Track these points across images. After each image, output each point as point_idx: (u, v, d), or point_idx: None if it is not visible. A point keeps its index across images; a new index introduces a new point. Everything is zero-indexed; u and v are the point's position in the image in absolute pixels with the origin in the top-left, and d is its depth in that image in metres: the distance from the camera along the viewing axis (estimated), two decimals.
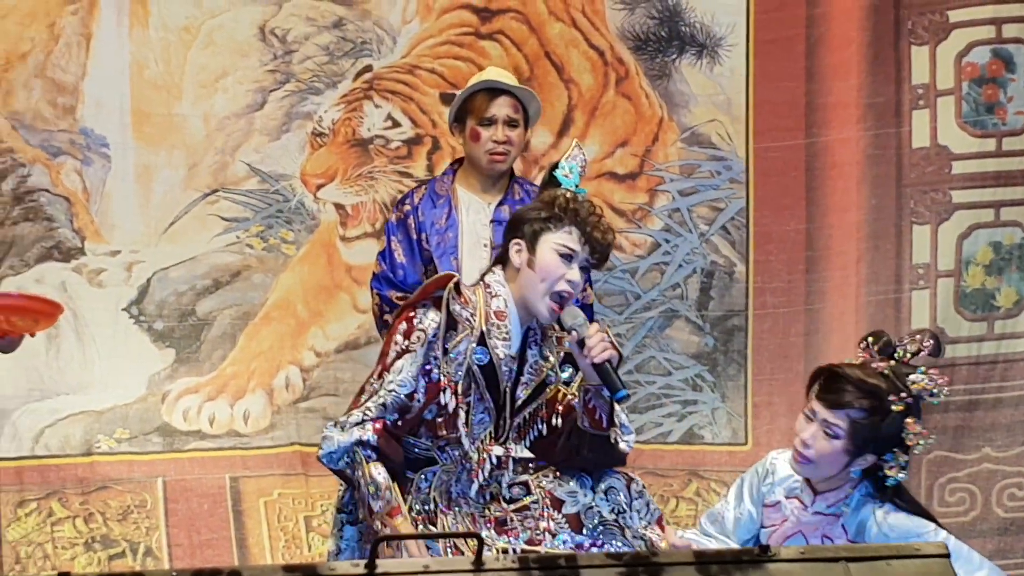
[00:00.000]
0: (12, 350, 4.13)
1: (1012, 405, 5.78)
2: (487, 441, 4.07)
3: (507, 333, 4.05)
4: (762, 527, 4.33)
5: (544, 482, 4.10)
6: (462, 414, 4.01)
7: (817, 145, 5.94)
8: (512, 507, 4.07)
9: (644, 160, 6.00)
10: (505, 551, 3.96)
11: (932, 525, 4.16)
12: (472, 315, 4.03)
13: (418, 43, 5.95)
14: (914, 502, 4.31)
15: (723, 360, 5.94)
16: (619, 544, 4.00)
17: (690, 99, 5.99)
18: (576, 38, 5.99)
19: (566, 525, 4.04)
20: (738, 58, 5.96)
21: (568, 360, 4.17)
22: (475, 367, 4.01)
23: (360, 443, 3.91)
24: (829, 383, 4.16)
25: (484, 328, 4.03)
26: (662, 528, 4.11)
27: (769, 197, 5.94)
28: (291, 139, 5.90)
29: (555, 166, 4.19)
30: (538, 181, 5.79)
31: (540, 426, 4.12)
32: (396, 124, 5.93)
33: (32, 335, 4.03)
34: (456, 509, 4.04)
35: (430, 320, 3.98)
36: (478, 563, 2.98)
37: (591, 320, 4.28)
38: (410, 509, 3.99)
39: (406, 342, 3.98)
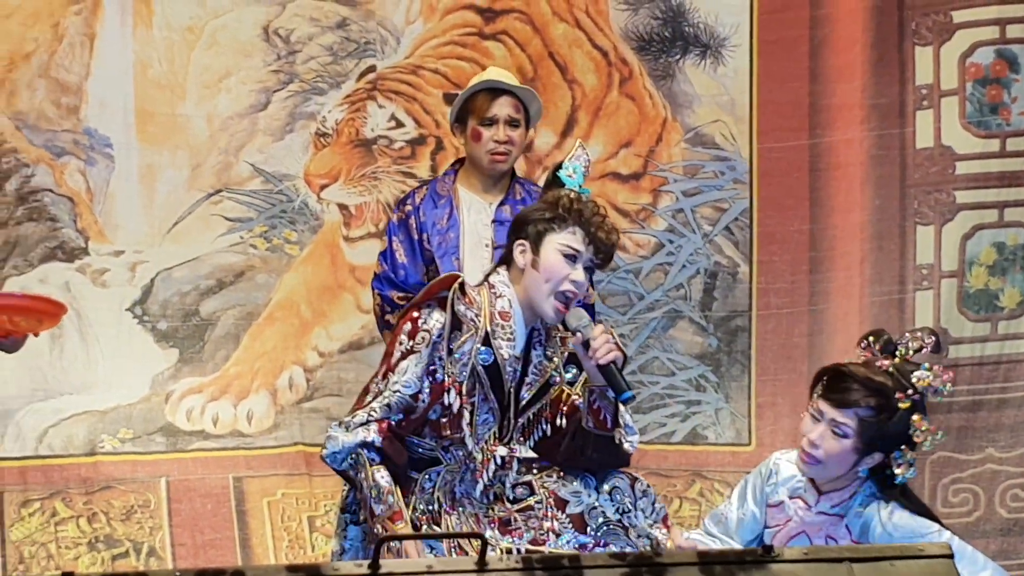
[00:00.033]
0: (16, 350, 4.13)
1: (1015, 406, 5.78)
2: (491, 442, 4.07)
3: (511, 333, 4.05)
4: (766, 527, 4.33)
5: (548, 482, 4.10)
6: (466, 414, 4.01)
7: (821, 146, 5.94)
8: (516, 507, 4.08)
9: (648, 160, 6.00)
10: (509, 551, 3.96)
11: (936, 526, 4.16)
12: (477, 315, 4.03)
13: (422, 43, 5.95)
14: (919, 502, 4.31)
15: (727, 361, 5.94)
16: (623, 544, 4.01)
17: (694, 100, 5.99)
18: (580, 38, 5.99)
19: (570, 525, 4.04)
20: (742, 59, 5.96)
21: (572, 360, 4.17)
22: (480, 367, 4.01)
23: (364, 444, 3.91)
24: (835, 382, 4.16)
25: (489, 328, 4.03)
26: (667, 527, 4.11)
27: (773, 198, 5.94)
28: (295, 139, 5.90)
29: (559, 166, 4.19)
30: (542, 181, 5.80)
31: (544, 426, 4.12)
32: (400, 124, 5.93)
33: (36, 335, 4.03)
34: (460, 509, 4.05)
35: (435, 321, 3.98)
36: (481, 563, 2.98)
37: (593, 320, 4.28)
38: (414, 509, 3.99)
39: (410, 342, 3.98)
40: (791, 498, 4.27)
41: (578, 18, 6.00)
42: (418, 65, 5.94)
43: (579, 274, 4.01)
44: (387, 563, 2.99)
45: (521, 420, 4.11)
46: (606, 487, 4.08)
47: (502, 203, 5.15)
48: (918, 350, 4.22)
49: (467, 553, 3.88)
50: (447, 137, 5.82)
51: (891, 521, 4.14)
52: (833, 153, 5.93)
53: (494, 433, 4.08)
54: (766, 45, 5.95)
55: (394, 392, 3.95)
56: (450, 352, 3.99)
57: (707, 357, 5.95)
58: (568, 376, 4.15)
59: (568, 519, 4.05)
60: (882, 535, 4.12)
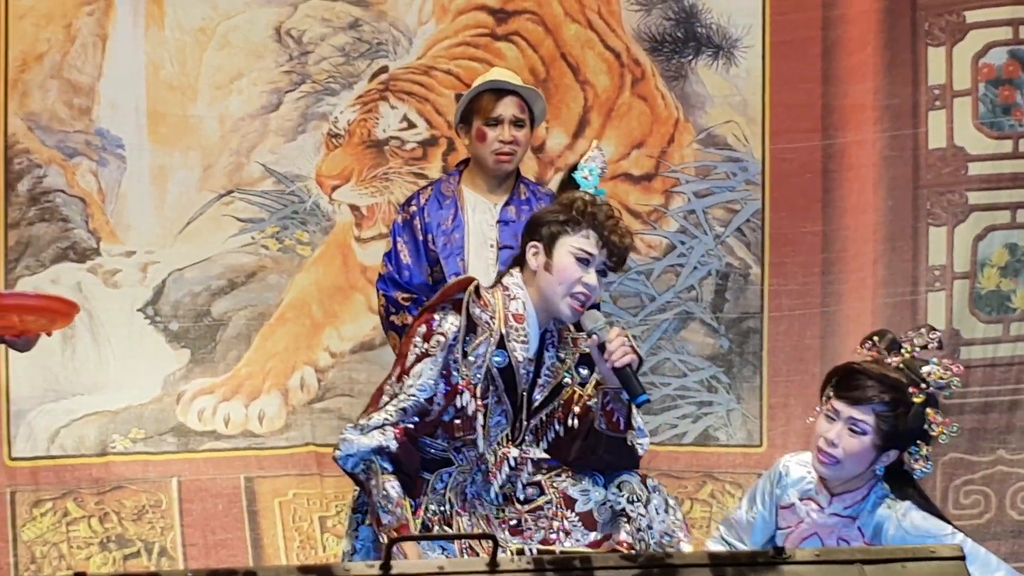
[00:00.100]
0: (28, 349, 4.14)
1: None
2: (503, 443, 4.07)
3: (525, 336, 4.05)
4: (778, 529, 4.33)
5: (557, 482, 4.10)
6: (480, 416, 4.01)
7: (833, 147, 5.93)
8: (526, 508, 4.07)
9: (660, 161, 6.00)
10: (520, 551, 3.96)
11: (951, 528, 4.16)
12: (491, 318, 4.03)
13: (434, 44, 5.95)
14: (930, 502, 4.31)
15: (738, 362, 5.93)
16: (623, 535, 3.98)
17: (706, 100, 5.98)
18: (592, 39, 5.99)
19: (579, 524, 4.04)
20: (754, 60, 5.96)
21: (583, 361, 4.16)
22: (494, 370, 4.01)
23: (379, 450, 3.90)
24: (849, 381, 4.17)
25: (503, 331, 4.03)
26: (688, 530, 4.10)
27: (785, 199, 5.93)
28: (306, 140, 5.90)
29: (574, 167, 4.18)
30: (553, 183, 5.80)
31: (557, 428, 4.12)
32: (411, 125, 5.93)
33: (49, 334, 4.03)
34: (471, 510, 4.04)
35: (450, 324, 3.98)
36: (493, 564, 2.98)
37: None
38: (425, 510, 3.99)
39: (425, 345, 3.97)
40: (802, 500, 4.27)
41: (590, 19, 5.99)
42: (430, 66, 5.94)
43: (591, 277, 4.01)
44: (399, 564, 2.99)
45: (533, 422, 4.11)
46: (615, 482, 4.08)
47: (507, 203, 5.15)
48: (923, 347, 4.23)
49: (478, 554, 3.88)
50: (459, 138, 5.82)
51: (905, 522, 4.14)
52: (846, 154, 5.92)
53: (506, 435, 4.08)
54: (779, 46, 5.94)
55: (410, 396, 3.95)
56: (464, 355, 3.99)
57: (719, 358, 5.94)
58: (579, 378, 4.14)
59: (577, 518, 4.04)
60: (895, 536, 4.12)
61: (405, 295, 5.12)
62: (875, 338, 4.28)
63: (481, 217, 5.15)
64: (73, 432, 5.62)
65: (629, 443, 4.07)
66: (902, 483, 4.22)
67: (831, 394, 4.21)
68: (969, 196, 5.83)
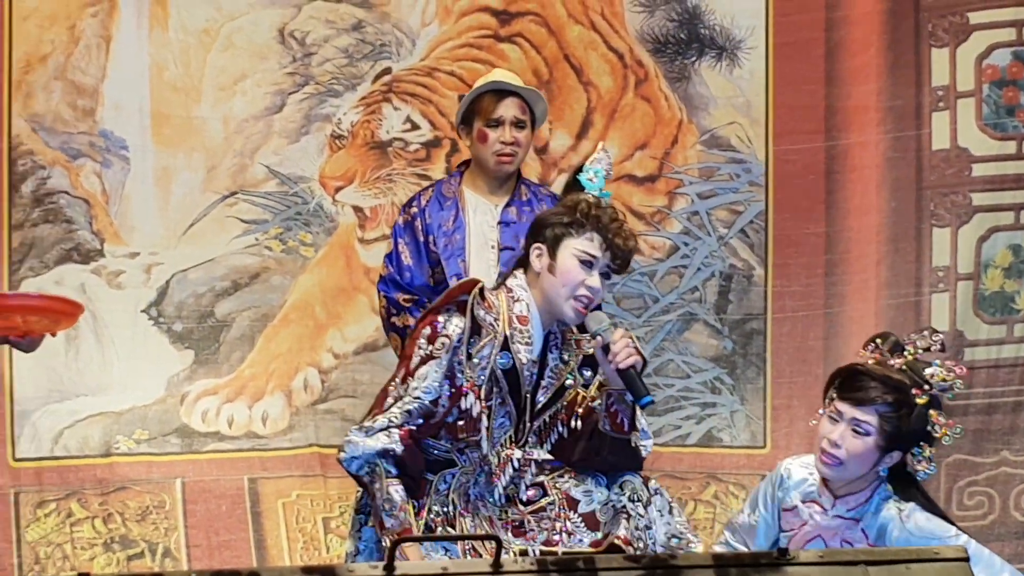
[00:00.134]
0: (33, 349, 4.14)
1: None
2: (506, 445, 4.07)
3: (529, 338, 4.05)
4: (781, 531, 4.33)
5: (560, 483, 4.10)
6: (484, 418, 4.01)
7: (837, 148, 5.93)
8: (529, 509, 4.07)
9: (663, 163, 6.00)
10: (524, 553, 3.96)
11: (954, 529, 4.16)
12: (496, 320, 4.03)
13: (437, 46, 5.95)
14: (934, 503, 4.31)
15: (742, 363, 5.93)
16: (622, 530, 3.98)
17: (709, 102, 5.98)
18: (595, 40, 5.99)
19: (582, 525, 4.04)
20: (758, 61, 5.95)
21: (587, 363, 4.16)
22: (498, 371, 4.01)
23: (384, 453, 3.89)
24: (852, 382, 4.17)
25: (507, 333, 4.03)
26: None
27: (788, 200, 5.93)
28: (310, 141, 5.90)
29: (579, 169, 4.18)
30: (557, 184, 5.80)
31: (560, 429, 4.12)
32: (415, 127, 5.93)
33: (53, 335, 4.04)
34: (474, 511, 4.04)
35: (454, 326, 3.98)
36: (496, 565, 2.98)
37: None
38: (428, 511, 3.99)
39: (430, 347, 3.97)
40: (804, 502, 4.27)
41: (593, 20, 5.99)
42: (433, 67, 5.94)
43: (595, 280, 4.01)
44: (402, 565, 2.99)
45: (536, 423, 4.11)
46: (618, 482, 4.08)
47: (508, 204, 5.15)
48: (926, 349, 4.23)
49: (481, 555, 3.88)
50: (460, 139, 5.82)
51: (909, 524, 4.14)
52: (849, 155, 5.92)
53: (509, 436, 4.08)
54: (782, 47, 5.94)
55: (415, 398, 3.95)
56: (469, 356, 3.99)
57: (722, 360, 5.94)
58: (583, 379, 4.14)
59: (580, 519, 4.05)
60: (899, 538, 4.12)
61: (406, 296, 5.13)
62: (878, 340, 4.28)
63: (482, 218, 5.15)
64: (77, 433, 5.62)
65: (633, 444, 4.07)
66: (906, 484, 4.22)
67: (834, 395, 4.21)
68: (973, 197, 5.83)
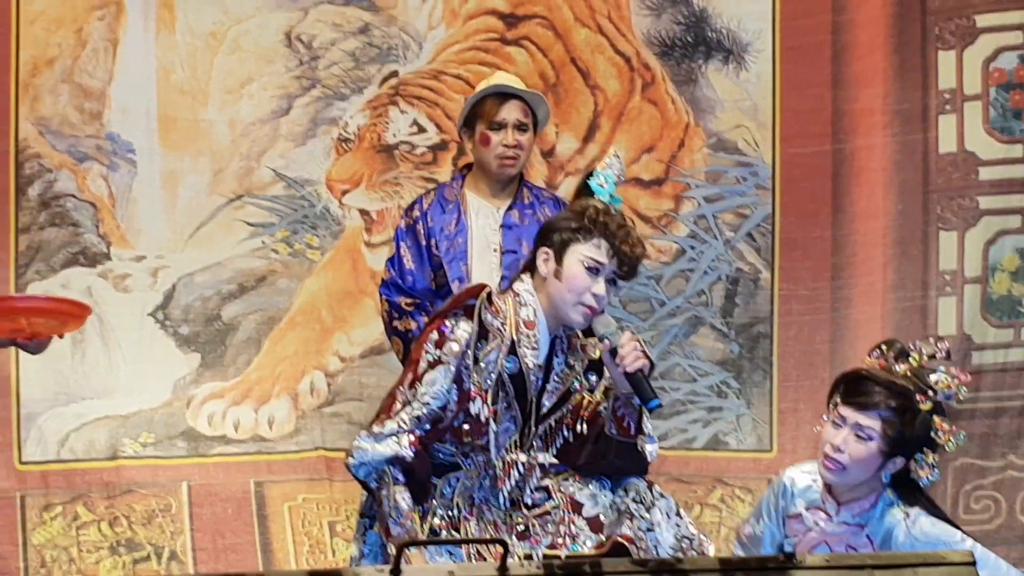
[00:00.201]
0: (40, 351, 4.15)
1: None
2: (511, 449, 4.07)
3: (536, 342, 4.04)
4: (786, 538, 4.32)
5: (565, 486, 4.10)
6: (492, 423, 4.00)
7: (843, 151, 5.92)
8: (534, 513, 4.07)
9: (670, 166, 5.99)
10: (528, 557, 3.96)
11: (960, 533, 4.15)
12: (503, 324, 4.03)
13: (444, 49, 5.95)
14: (939, 508, 4.30)
15: (748, 367, 5.93)
16: (625, 528, 3.98)
17: (716, 105, 5.98)
18: (602, 44, 5.99)
19: (587, 528, 4.04)
20: (764, 64, 5.95)
21: (592, 368, 4.16)
22: (505, 376, 4.01)
23: (394, 459, 3.89)
24: (856, 387, 4.16)
25: (514, 337, 4.03)
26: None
27: (795, 203, 5.93)
28: (316, 145, 5.90)
29: (590, 174, 4.17)
30: (563, 187, 5.80)
31: (565, 433, 4.12)
32: (422, 130, 5.93)
33: (60, 336, 4.04)
34: (479, 515, 4.04)
35: (462, 330, 3.97)
36: (503, 569, 2.98)
37: None
38: (433, 514, 3.99)
39: (438, 352, 3.97)
40: (808, 509, 4.27)
41: (600, 23, 5.99)
42: (440, 70, 5.94)
43: (600, 287, 4.00)
44: (409, 569, 2.99)
45: (542, 428, 4.11)
46: (622, 487, 4.07)
47: (510, 208, 5.15)
48: (931, 356, 4.22)
49: (486, 559, 3.87)
50: (462, 142, 5.82)
51: (915, 529, 4.13)
52: (856, 159, 5.91)
53: (514, 441, 4.07)
54: (789, 51, 5.94)
55: (424, 404, 3.94)
56: (476, 361, 3.98)
57: (729, 363, 5.94)
58: (588, 384, 4.14)
59: (585, 522, 4.04)
60: (905, 543, 4.11)
61: (408, 300, 5.12)
62: (883, 347, 4.27)
63: (484, 221, 5.15)
64: (83, 436, 5.63)
65: (639, 448, 4.06)
66: (910, 490, 4.21)
67: (838, 400, 4.21)
68: (980, 201, 5.82)
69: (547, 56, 5.97)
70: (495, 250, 5.11)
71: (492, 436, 4.01)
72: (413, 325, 5.08)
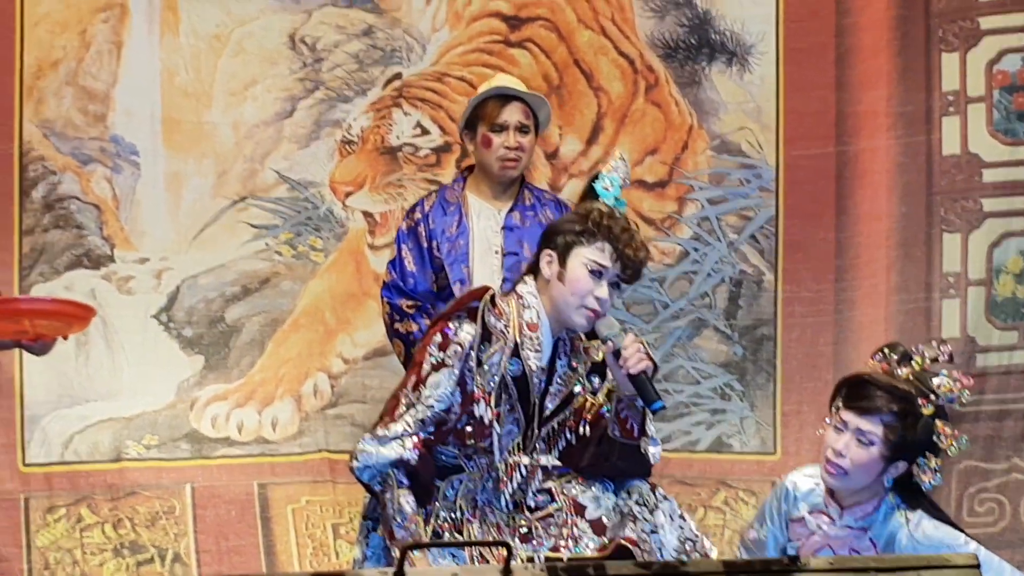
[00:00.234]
0: (45, 352, 4.16)
1: None
2: (514, 451, 4.07)
3: (539, 345, 4.05)
4: (789, 542, 4.32)
5: (567, 488, 4.10)
6: (496, 425, 4.00)
7: (847, 154, 5.92)
8: (537, 515, 4.07)
9: (673, 168, 5.99)
10: (530, 559, 3.96)
11: (963, 536, 4.15)
12: (506, 327, 4.03)
13: (447, 51, 5.95)
14: (942, 511, 4.30)
15: (752, 369, 5.92)
16: (628, 531, 3.98)
17: (720, 107, 5.98)
18: (605, 46, 5.99)
19: (589, 531, 4.04)
20: (768, 66, 5.95)
21: (595, 370, 4.16)
22: (508, 378, 4.01)
23: (398, 463, 3.89)
24: (857, 391, 4.16)
25: (517, 339, 4.03)
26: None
27: (798, 206, 5.93)
28: (320, 147, 5.91)
29: (596, 177, 4.17)
30: (567, 189, 5.81)
31: (568, 436, 4.12)
32: (425, 132, 5.93)
33: (65, 338, 4.05)
34: (482, 517, 4.04)
35: (465, 333, 3.98)
36: (506, 572, 2.98)
37: None
38: (436, 517, 3.99)
39: (441, 354, 3.97)
40: (812, 513, 4.26)
41: (604, 25, 5.99)
42: (444, 72, 5.94)
43: (603, 290, 4.00)
44: (412, 571, 2.99)
45: (544, 430, 4.11)
46: (625, 489, 4.07)
47: (512, 209, 5.15)
48: (934, 359, 4.21)
49: (488, 562, 3.88)
50: (463, 144, 5.83)
51: (917, 532, 4.13)
52: (859, 161, 5.91)
53: (517, 443, 4.07)
54: (792, 53, 5.94)
55: (428, 407, 3.94)
56: (479, 363, 3.99)
57: (732, 366, 5.93)
58: (591, 386, 4.14)
59: (587, 525, 4.04)
60: (908, 547, 4.11)
61: (409, 302, 5.13)
62: (886, 350, 4.27)
63: (486, 223, 5.15)
64: (87, 438, 5.63)
65: (642, 450, 4.06)
66: (913, 493, 4.21)
67: (840, 404, 4.20)
68: (983, 203, 5.82)
69: (550, 58, 5.97)
70: (496, 252, 5.12)
71: (495, 438, 4.01)
72: (414, 327, 5.08)
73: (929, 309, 5.82)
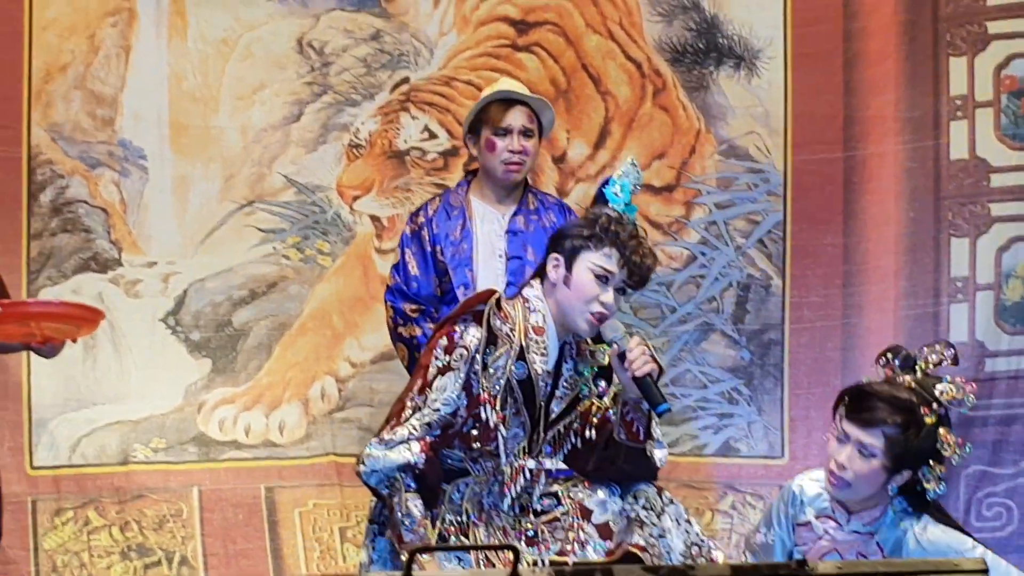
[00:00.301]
0: (54, 355, 4.17)
1: None
2: (520, 455, 4.07)
3: (545, 348, 4.05)
4: (796, 546, 4.31)
5: (573, 492, 4.09)
6: (501, 429, 4.00)
7: (855, 158, 5.91)
8: (542, 519, 4.07)
9: (681, 172, 5.99)
10: (535, 563, 3.95)
11: (971, 540, 4.14)
12: (512, 330, 4.03)
13: (455, 55, 5.96)
14: (949, 516, 4.28)
15: (759, 374, 5.92)
16: (636, 536, 3.97)
17: (728, 111, 5.98)
18: (613, 50, 5.99)
19: (596, 535, 4.03)
20: (776, 71, 5.95)
21: (601, 374, 4.16)
22: (513, 381, 4.01)
23: (405, 466, 3.89)
24: (859, 402, 4.14)
25: (523, 343, 4.03)
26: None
27: (806, 210, 5.92)
28: (328, 151, 5.91)
29: (607, 182, 4.17)
30: (574, 194, 5.81)
31: (574, 439, 4.12)
32: (433, 136, 5.93)
33: (74, 341, 4.05)
34: (488, 521, 4.04)
35: (471, 336, 3.98)
36: (514, 575, 2.97)
37: None
38: (442, 520, 3.99)
39: (447, 358, 3.97)
40: (819, 517, 4.25)
41: (611, 30, 5.99)
42: (451, 77, 5.95)
43: (609, 296, 4.00)
44: (420, 575, 2.98)
45: (550, 433, 4.11)
46: (631, 493, 4.07)
47: (515, 214, 5.15)
48: (937, 363, 4.19)
49: (494, 565, 3.87)
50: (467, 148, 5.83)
51: (925, 536, 4.12)
52: (867, 166, 5.91)
53: (523, 447, 4.07)
54: (800, 58, 5.94)
55: (434, 411, 3.95)
56: (485, 367, 3.99)
57: (740, 370, 5.93)
58: (597, 390, 4.14)
59: (594, 529, 4.04)
60: (915, 551, 4.10)
61: (413, 307, 5.13)
62: (889, 355, 4.25)
63: (489, 227, 5.15)
64: (95, 441, 5.63)
65: (648, 454, 4.06)
66: (919, 498, 4.19)
67: (842, 415, 4.18)
68: (992, 207, 5.81)
69: (558, 62, 5.98)
70: (500, 256, 5.12)
71: (501, 442, 4.01)
72: (418, 331, 5.08)
73: (937, 314, 5.82)
